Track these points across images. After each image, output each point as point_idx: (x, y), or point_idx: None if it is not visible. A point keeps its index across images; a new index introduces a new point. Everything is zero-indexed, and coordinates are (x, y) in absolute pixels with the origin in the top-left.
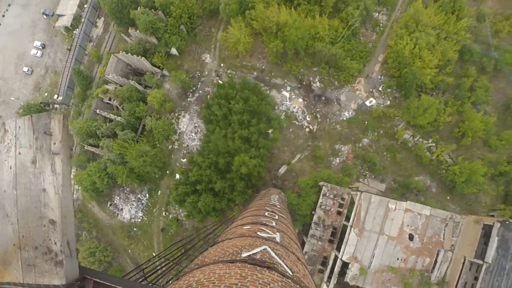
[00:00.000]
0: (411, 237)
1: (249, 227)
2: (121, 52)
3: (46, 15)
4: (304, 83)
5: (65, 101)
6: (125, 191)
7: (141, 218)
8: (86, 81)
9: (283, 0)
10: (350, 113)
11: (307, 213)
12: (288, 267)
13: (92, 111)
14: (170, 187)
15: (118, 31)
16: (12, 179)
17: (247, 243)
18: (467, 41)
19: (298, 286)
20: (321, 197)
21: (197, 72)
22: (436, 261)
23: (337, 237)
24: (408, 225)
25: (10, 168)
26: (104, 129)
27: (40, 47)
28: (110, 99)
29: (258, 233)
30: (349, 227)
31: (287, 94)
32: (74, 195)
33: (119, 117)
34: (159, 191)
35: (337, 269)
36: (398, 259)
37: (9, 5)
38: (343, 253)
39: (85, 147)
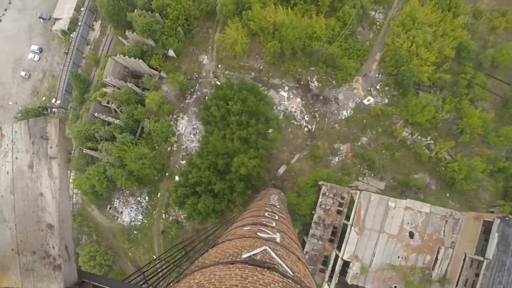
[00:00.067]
0: (411, 235)
1: (249, 228)
2: (118, 54)
3: (43, 19)
4: (302, 82)
5: (63, 104)
6: (125, 194)
7: (141, 221)
8: (84, 84)
9: (280, 0)
10: (348, 112)
11: (307, 212)
12: (288, 267)
13: (91, 114)
14: (170, 189)
15: (115, 34)
16: (9, 184)
17: (247, 244)
18: (464, 38)
19: (299, 286)
20: (320, 196)
21: (195, 74)
22: (436, 259)
23: (338, 236)
24: (408, 223)
25: (7, 173)
26: (103, 132)
27: (37, 51)
28: (108, 102)
29: (258, 233)
30: (349, 226)
31: (285, 94)
32: (74, 199)
33: (118, 120)
34: (159, 194)
35: (338, 268)
36: (399, 257)
37: (5, 10)
38: (343, 252)
39: (83, 151)
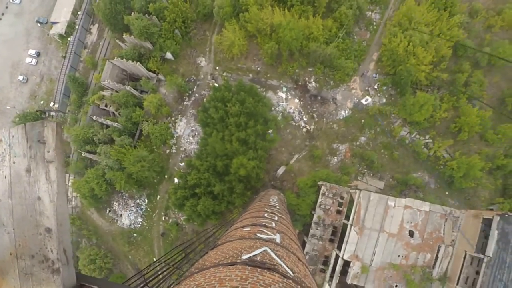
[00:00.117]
0: (411, 234)
1: (249, 229)
2: (116, 58)
3: (40, 23)
4: (300, 83)
5: (61, 108)
6: (124, 197)
7: (140, 223)
8: (82, 88)
9: (277, 2)
10: (346, 112)
11: (307, 213)
12: (289, 267)
13: (89, 117)
14: (169, 191)
15: (113, 37)
16: (7, 188)
17: (247, 245)
18: (460, 37)
19: (299, 286)
20: (320, 196)
21: (193, 76)
22: (437, 257)
23: (338, 236)
24: (408, 222)
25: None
26: (101, 136)
27: (35, 55)
28: (106, 105)
29: (258, 234)
30: (349, 226)
31: (283, 95)
32: (73, 202)
33: (116, 123)
34: (158, 196)
35: (338, 268)
36: (399, 256)
37: (2, 14)
38: (344, 252)
39: (82, 154)
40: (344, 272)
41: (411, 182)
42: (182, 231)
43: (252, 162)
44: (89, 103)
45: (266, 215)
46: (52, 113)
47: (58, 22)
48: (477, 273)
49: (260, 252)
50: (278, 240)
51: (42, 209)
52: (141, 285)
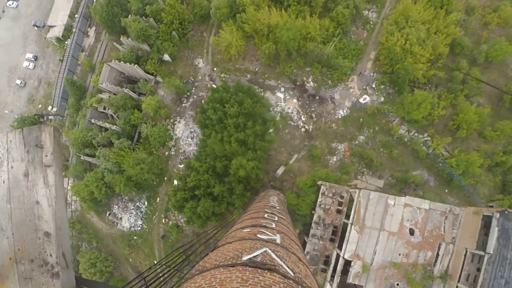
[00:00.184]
0: (411, 232)
1: (249, 230)
2: (113, 60)
3: (37, 26)
4: (298, 83)
5: (60, 112)
6: (124, 200)
7: (140, 226)
8: (80, 91)
9: (273, 2)
10: (344, 111)
11: (307, 213)
12: (289, 268)
13: (87, 121)
14: (169, 193)
15: (110, 40)
16: (5, 193)
17: (248, 246)
18: (457, 35)
19: (300, 286)
20: (320, 196)
21: (191, 77)
22: (438, 255)
23: (338, 235)
24: (408, 220)
25: (3, 182)
26: (100, 139)
27: (32, 59)
28: (104, 108)
29: (258, 235)
30: (349, 225)
31: (281, 95)
32: (73, 206)
33: (115, 126)
34: (158, 198)
35: (339, 267)
36: (400, 254)
37: None
38: (345, 251)
39: (81, 157)
40: (345, 271)
41: (411, 180)
42: (182, 233)
43: (251, 163)
44: (87, 106)
45: (266, 215)
46: (50, 117)
47: (55, 26)
48: (478, 270)
49: (261, 253)
50: (278, 241)
51: (40, 213)
52: None
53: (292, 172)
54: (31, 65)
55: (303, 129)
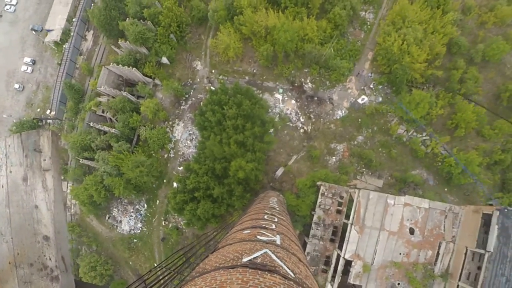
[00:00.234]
0: (411, 231)
1: (249, 231)
2: (112, 64)
3: (35, 30)
4: (296, 84)
5: (58, 115)
6: (123, 203)
7: (140, 229)
8: (78, 94)
9: (271, 4)
10: (343, 111)
11: (307, 213)
12: (289, 269)
13: (86, 124)
14: (168, 196)
15: (108, 43)
16: (4, 197)
17: (248, 247)
18: (454, 34)
19: (300, 287)
20: (319, 196)
21: (189, 80)
22: (438, 254)
23: (338, 235)
24: (408, 219)
25: (2, 186)
26: (99, 142)
27: (30, 63)
28: (103, 112)
29: (258, 236)
30: (349, 225)
31: (279, 97)
32: (72, 210)
33: (113, 129)
34: (157, 201)
35: (340, 268)
36: (400, 253)
37: None
38: (345, 251)
39: (80, 161)
40: (346, 271)
41: (410, 179)
42: (182, 235)
43: (250, 164)
44: (86, 109)
45: (266, 217)
46: (49, 121)
47: (53, 30)
48: (479, 268)
49: (261, 254)
50: (278, 242)
51: (39, 217)
52: None
53: (291, 173)
54: (29, 69)
55: (301, 130)
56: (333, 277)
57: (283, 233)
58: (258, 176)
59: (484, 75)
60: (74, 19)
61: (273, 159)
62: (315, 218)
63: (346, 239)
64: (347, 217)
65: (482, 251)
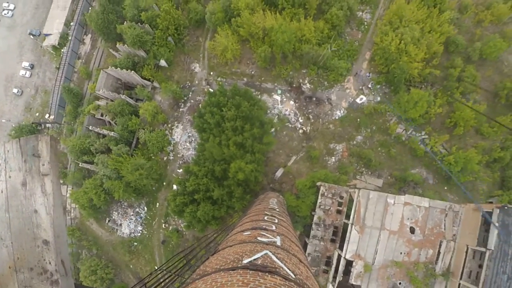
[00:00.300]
0: (412, 230)
1: (249, 233)
2: (110, 67)
3: (33, 35)
4: (294, 85)
5: (57, 119)
6: (123, 206)
7: (140, 232)
8: (77, 98)
9: (268, 6)
10: (341, 111)
11: (307, 214)
12: (290, 270)
13: (85, 128)
14: (168, 198)
15: (106, 47)
16: (3, 202)
17: (248, 249)
18: (451, 33)
19: None
20: (319, 197)
21: (188, 82)
22: (439, 252)
23: (339, 236)
24: (408, 218)
25: (1, 191)
26: (98, 145)
27: (29, 68)
28: (102, 115)
29: (258, 238)
30: (350, 225)
31: (278, 98)
32: (72, 214)
33: (112, 132)
34: (157, 204)
35: (341, 268)
36: (401, 253)
37: None
38: (346, 251)
39: (79, 165)
40: (347, 272)
41: (410, 178)
42: (182, 237)
43: (250, 166)
44: (85, 113)
45: (266, 218)
46: (48, 125)
47: (51, 34)
48: (480, 266)
49: (261, 256)
50: (278, 243)
51: (39, 221)
52: None
53: (291, 174)
54: (28, 74)
55: (300, 131)
56: (334, 277)
57: (284, 234)
58: (257, 177)
59: (481, 73)
60: (72, 23)
61: (272, 160)
62: (315, 218)
63: (346, 239)
64: (348, 217)
65: (483, 249)
